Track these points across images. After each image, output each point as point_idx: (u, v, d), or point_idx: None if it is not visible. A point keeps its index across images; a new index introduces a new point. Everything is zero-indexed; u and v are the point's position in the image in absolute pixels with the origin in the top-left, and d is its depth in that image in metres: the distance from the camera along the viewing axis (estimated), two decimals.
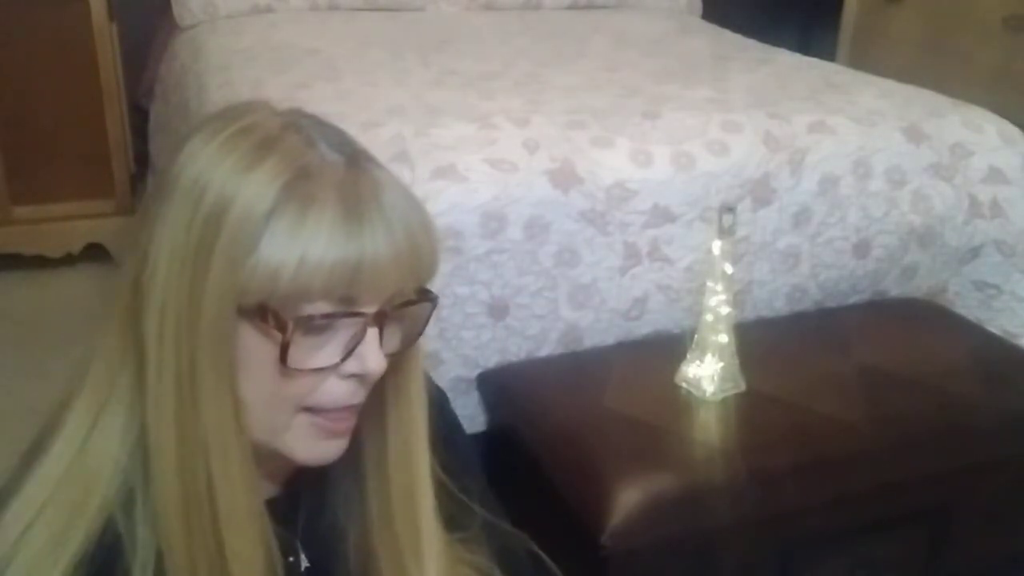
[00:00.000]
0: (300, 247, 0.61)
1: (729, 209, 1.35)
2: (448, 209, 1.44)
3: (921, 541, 1.43)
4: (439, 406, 0.86)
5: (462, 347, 1.49)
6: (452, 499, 0.81)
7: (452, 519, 0.80)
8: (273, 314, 0.63)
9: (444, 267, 1.44)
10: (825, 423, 1.37)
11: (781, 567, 1.35)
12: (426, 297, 0.71)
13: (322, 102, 1.77)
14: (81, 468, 0.66)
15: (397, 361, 0.72)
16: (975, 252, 1.78)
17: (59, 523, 0.65)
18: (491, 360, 1.51)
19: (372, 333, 0.66)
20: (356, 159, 0.69)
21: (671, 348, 1.46)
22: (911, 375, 1.48)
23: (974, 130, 1.80)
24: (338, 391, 0.68)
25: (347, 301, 0.65)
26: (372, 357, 0.66)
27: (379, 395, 0.73)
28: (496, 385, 1.50)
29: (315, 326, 0.64)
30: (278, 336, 0.63)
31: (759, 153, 1.64)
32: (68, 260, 2.74)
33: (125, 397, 0.67)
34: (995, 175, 1.77)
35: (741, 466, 1.30)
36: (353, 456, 0.74)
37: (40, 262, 2.74)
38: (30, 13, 2.57)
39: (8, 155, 2.66)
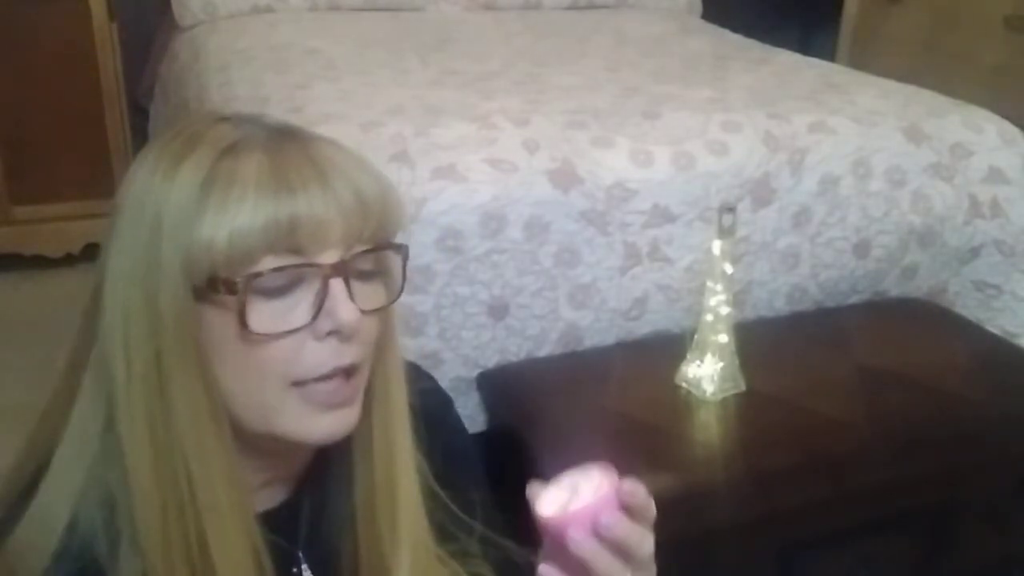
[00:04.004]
0: (231, 215, 0.62)
1: (729, 209, 1.35)
2: (448, 209, 1.44)
3: (921, 541, 1.43)
4: (442, 411, 0.85)
5: (462, 347, 1.49)
6: (446, 510, 0.79)
7: (444, 528, 0.78)
8: (223, 282, 0.63)
9: (444, 267, 1.45)
10: (825, 423, 1.37)
11: (781, 567, 1.35)
12: (389, 245, 0.70)
13: (322, 102, 1.77)
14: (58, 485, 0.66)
15: (378, 345, 0.71)
16: (975, 252, 1.78)
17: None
18: (491, 360, 1.51)
19: (336, 284, 0.65)
20: (285, 130, 0.69)
21: (671, 348, 1.46)
22: (911, 375, 1.48)
23: (974, 130, 1.80)
24: (321, 354, 0.66)
25: (296, 252, 0.64)
26: (342, 308, 0.65)
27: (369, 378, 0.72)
28: (496, 385, 1.50)
29: (271, 287, 0.64)
30: (234, 302, 0.63)
31: (759, 153, 1.63)
32: (68, 260, 2.74)
33: (100, 414, 0.66)
34: (995, 175, 1.77)
35: (741, 466, 1.30)
36: (347, 455, 0.74)
37: (40, 262, 2.74)
38: (30, 13, 2.57)
39: (8, 155, 2.66)
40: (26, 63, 2.60)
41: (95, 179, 2.69)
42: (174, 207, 0.63)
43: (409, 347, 1.45)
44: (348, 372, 0.68)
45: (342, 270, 0.65)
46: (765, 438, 1.34)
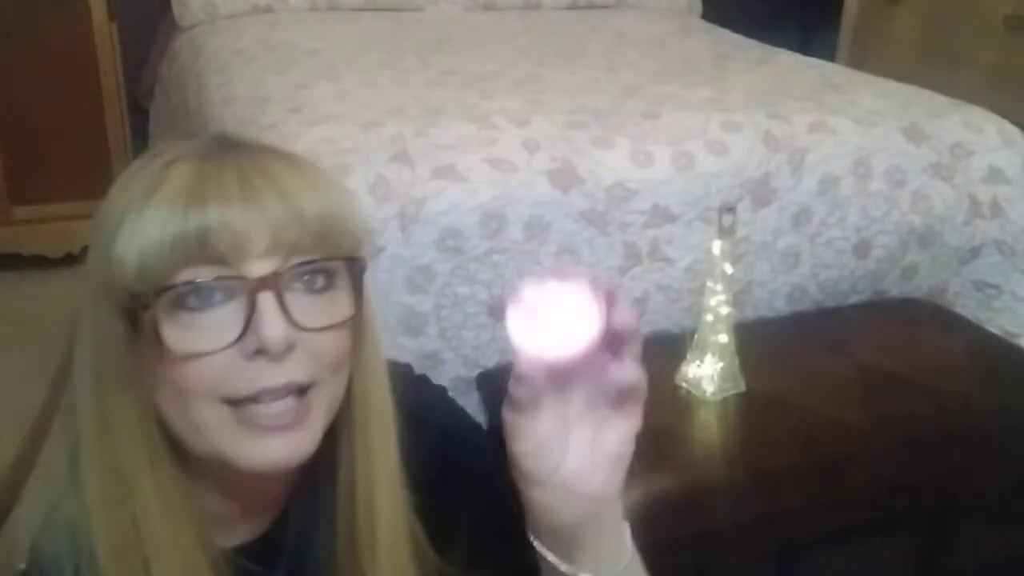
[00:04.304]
0: (142, 229, 0.60)
1: (729, 209, 1.35)
2: (448, 209, 1.44)
3: (921, 541, 1.43)
4: (427, 413, 0.79)
5: (462, 347, 1.49)
6: (431, 533, 0.75)
7: (420, 548, 0.74)
8: (137, 298, 0.60)
9: (444, 267, 1.45)
10: (825, 423, 1.37)
11: (781, 567, 1.35)
12: (335, 258, 0.65)
13: (322, 102, 1.77)
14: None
15: (354, 360, 0.68)
16: (975, 252, 1.78)
17: None
18: (491, 360, 1.51)
19: (265, 299, 0.61)
20: (234, 143, 0.66)
21: (671, 348, 1.45)
22: (911, 375, 1.48)
23: (974, 130, 1.80)
24: (249, 373, 0.61)
25: (219, 265, 0.61)
26: (268, 324, 0.60)
27: (347, 399, 0.68)
28: (496, 385, 1.50)
29: (194, 302, 0.61)
30: (152, 319, 0.60)
31: (759, 153, 1.63)
32: (68, 260, 2.74)
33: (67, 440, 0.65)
34: (995, 175, 1.77)
35: (741, 466, 1.30)
36: (331, 481, 0.70)
37: (40, 262, 2.74)
38: (30, 13, 2.57)
39: (8, 155, 2.67)
40: (26, 63, 2.60)
41: (95, 179, 2.65)
42: (105, 224, 0.62)
43: (409, 347, 1.45)
44: (295, 392, 0.63)
45: (272, 283, 0.61)
46: (765, 438, 1.34)
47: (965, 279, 1.81)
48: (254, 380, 0.62)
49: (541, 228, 1.49)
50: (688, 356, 1.42)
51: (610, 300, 0.60)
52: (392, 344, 1.44)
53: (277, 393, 0.62)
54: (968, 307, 1.80)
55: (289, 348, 0.61)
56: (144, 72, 2.93)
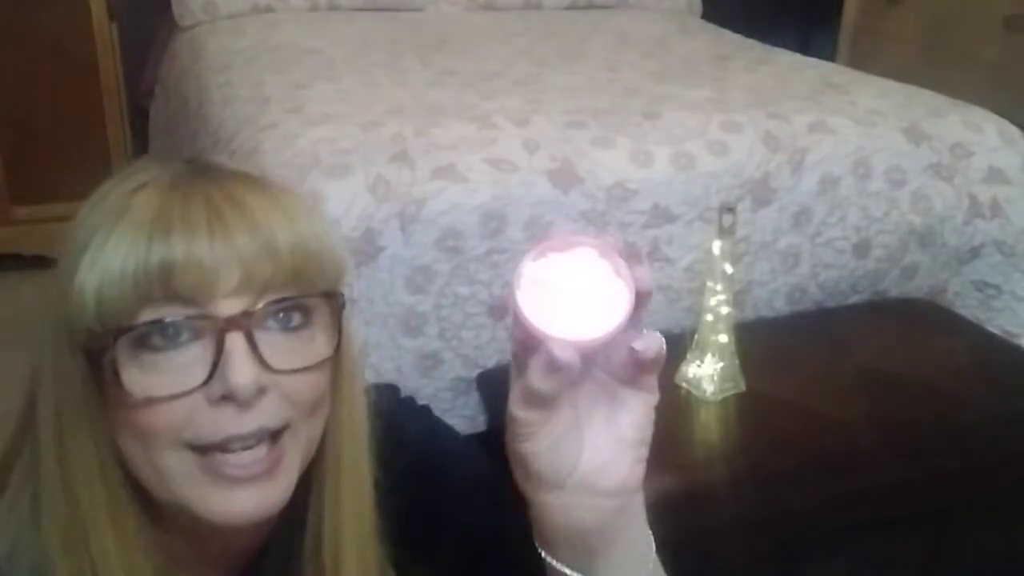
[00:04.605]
0: (102, 262, 0.55)
1: (729, 209, 1.35)
2: (448, 209, 1.44)
3: (921, 541, 1.43)
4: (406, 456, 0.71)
5: (462, 347, 1.49)
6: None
7: None
8: (96, 336, 0.56)
9: (444, 267, 1.45)
10: (825, 423, 1.37)
11: (781, 567, 1.35)
12: (313, 294, 0.60)
13: (322, 102, 1.77)
14: None
15: (335, 396, 0.63)
16: (975, 252, 1.78)
17: None
18: (491, 360, 1.51)
19: (235, 340, 0.56)
20: (206, 169, 0.61)
21: (671, 348, 1.44)
22: (911, 375, 1.48)
23: (974, 130, 1.80)
24: (215, 420, 0.57)
25: (185, 302, 0.56)
26: (236, 369, 0.55)
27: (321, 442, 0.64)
28: (496, 385, 1.50)
29: (154, 342, 0.56)
30: (112, 361, 0.56)
31: (759, 153, 1.63)
32: None
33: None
34: (995, 175, 1.77)
35: (741, 466, 1.30)
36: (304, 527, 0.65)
37: (40, 262, 2.73)
38: (30, 13, 2.57)
39: (8, 155, 2.66)
40: (26, 63, 2.60)
41: (95, 179, 2.63)
42: (69, 250, 0.58)
43: (409, 347, 1.45)
44: (266, 438, 0.58)
45: (242, 324, 0.56)
46: (765, 438, 1.34)
47: (965, 279, 1.81)
48: (220, 426, 0.57)
49: (541, 228, 1.49)
50: (688, 356, 1.42)
51: (633, 257, 0.55)
52: (392, 344, 1.44)
53: (246, 440, 0.57)
54: (968, 307, 1.80)
55: (260, 392, 0.57)
56: (144, 72, 2.93)
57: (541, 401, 0.56)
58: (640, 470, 0.59)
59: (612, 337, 0.53)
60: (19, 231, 2.73)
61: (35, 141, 2.68)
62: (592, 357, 0.56)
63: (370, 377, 1.41)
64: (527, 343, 0.55)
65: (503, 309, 1.49)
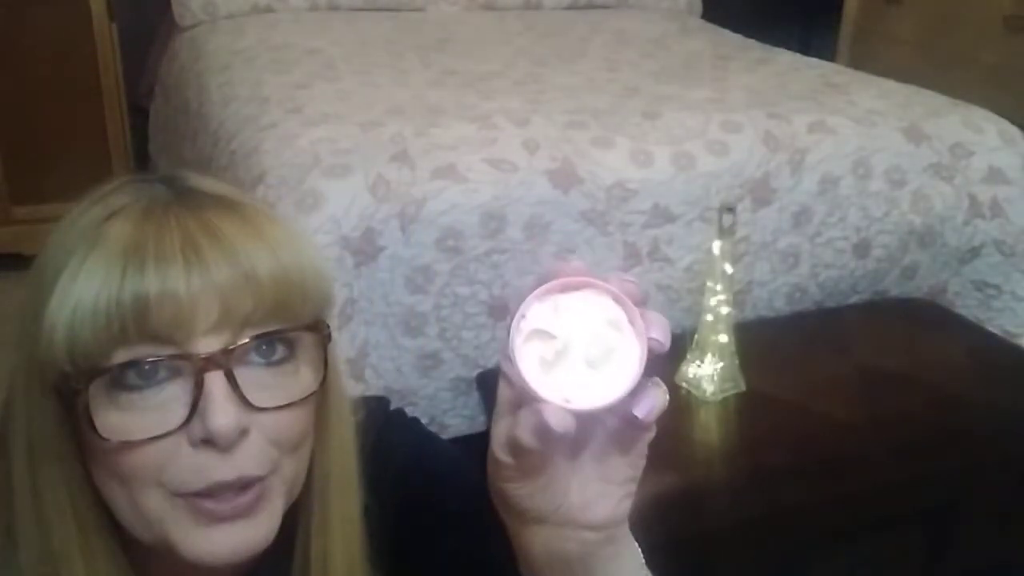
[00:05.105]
0: (72, 298, 0.52)
1: (729, 209, 1.35)
2: (448, 209, 1.44)
3: (921, 541, 1.43)
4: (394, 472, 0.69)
5: (462, 347, 1.49)
6: None
7: None
8: (67, 379, 0.53)
9: (444, 267, 1.45)
10: (825, 423, 1.37)
11: (781, 567, 1.35)
12: (297, 327, 0.57)
13: (322, 102, 1.77)
14: None
15: (319, 427, 0.61)
16: (975, 252, 1.78)
17: None
18: (491, 360, 1.51)
19: (215, 379, 0.53)
20: (179, 188, 0.58)
21: (671, 348, 1.45)
22: (911, 375, 1.48)
23: (974, 130, 1.80)
24: (196, 463, 0.54)
25: (162, 341, 0.53)
26: (217, 413, 0.52)
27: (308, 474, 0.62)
28: (496, 385, 1.50)
29: (129, 381, 0.53)
30: (84, 403, 0.53)
31: (759, 153, 1.63)
32: None
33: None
34: (995, 175, 1.77)
35: (741, 466, 1.30)
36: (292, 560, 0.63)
37: None
38: (30, 13, 2.57)
39: (8, 155, 2.66)
40: (26, 63, 2.60)
41: (95, 179, 2.62)
42: (39, 280, 0.55)
43: (409, 347, 1.45)
44: (250, 484, 0.56)
45: (221, 362, 0.53)
46: (765, 438, 1.34)
47: (965, 279, 1.81)
48: (203, 473, 0.54)
49: (541, 228, 1.49)
50: (688, 356, 1.42)
51: (648, 320, 0.50)
52: (392, 344, 1.44)
53: (231, 487, 0.55)
54: (968, 307, 1.80)
55: (243, 434, 0.54)
56: (144, 72, 2.93)
57: (527, 453, 0.52)
58: (628, 504, 0.56)
59: (615, 406, 0.48)
60: (19, 231, 2.72)
61: (35, 141, 2.67)
62: (590, 420, 0.51)
63: (370, 377, 1.42)
64: (521, 391, 0.51)
65: (503, 309, 1.49)
